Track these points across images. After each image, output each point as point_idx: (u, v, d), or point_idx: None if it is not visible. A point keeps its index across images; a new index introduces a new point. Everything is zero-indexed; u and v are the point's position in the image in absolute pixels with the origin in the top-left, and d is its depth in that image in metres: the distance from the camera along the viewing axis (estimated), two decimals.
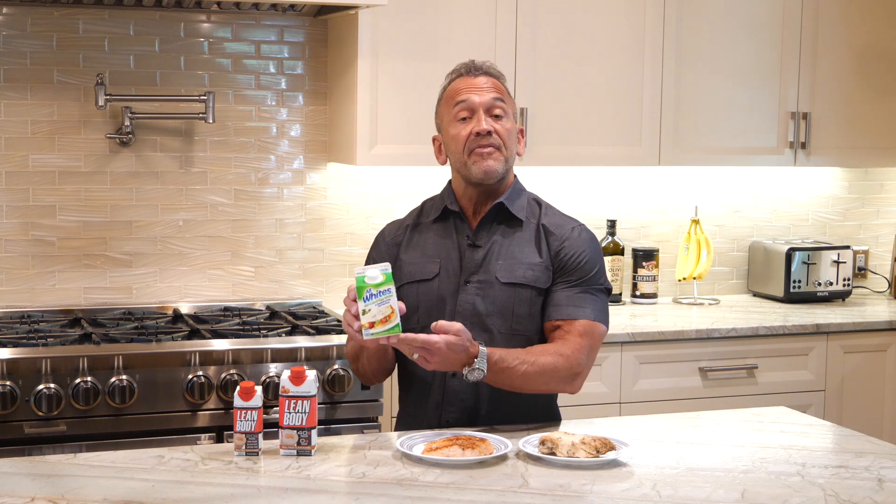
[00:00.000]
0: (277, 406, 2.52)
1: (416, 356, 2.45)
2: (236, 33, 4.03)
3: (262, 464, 2.31)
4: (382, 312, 2.39)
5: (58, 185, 3.88)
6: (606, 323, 2.69)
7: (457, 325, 2.44)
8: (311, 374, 2.38)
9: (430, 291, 2.68)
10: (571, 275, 2.66)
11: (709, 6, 4.24)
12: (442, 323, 2.44)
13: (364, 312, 2.39)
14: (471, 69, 2.71)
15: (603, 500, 2.14)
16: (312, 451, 2.36)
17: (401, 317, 2.39)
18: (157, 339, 3.44)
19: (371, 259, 2.81)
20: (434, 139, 2.76)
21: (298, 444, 2.36)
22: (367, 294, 2.38)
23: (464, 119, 2.66)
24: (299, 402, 2.35)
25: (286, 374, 2.38)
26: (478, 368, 2.48)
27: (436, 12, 3.90)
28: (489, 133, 2.63)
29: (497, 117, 2.66)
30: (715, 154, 4.33)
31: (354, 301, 2.41)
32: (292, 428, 2.36)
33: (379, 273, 2.40)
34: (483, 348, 2.49)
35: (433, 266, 2.70)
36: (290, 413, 2.36)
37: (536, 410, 2.68)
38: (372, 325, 2.39)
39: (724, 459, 2.40)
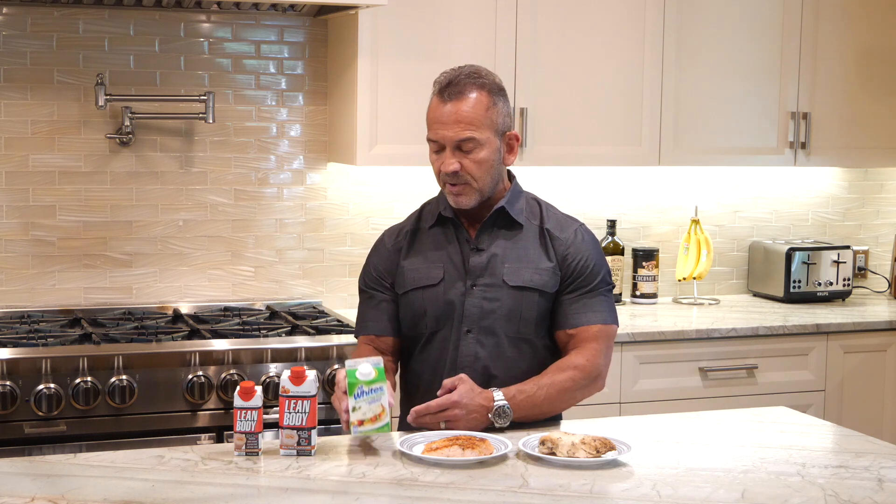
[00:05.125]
0: (277, 406, 2.52)
1: (443, 425, 2.48)
2: (236, 33, 4.03)
3: (262, 464, 2.31)
4: (373, 410, 2.36)
5: (58, 185, 3.88)
6: (616, 321, 2.73)
7: (461, 379, 2.50)
8: (311, 374, 2.38)
9: (436, 296, 2.68)
10: (579, 281, 2.68)
11: (709, 6, 4.23)
12: (446, 382, 2.50)
13: (354, 409, 2.35)
14: (443, 89, 2.60)
15: (603, 500, 2.14)
16: (312, 451, 2.36)
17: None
18: (157, 339, 3.44)
19: (370, 264, 2.81)
20: None
21: (298, 444, 2.36)
22: (359, 391, 2.35)
23: (438, 150, 2.65)
24: (299, 402, 2.35)
25: (286, 374, 2.37)
26: (499, 407, 2.50)
27: (436, 12, 3.89)
28: (456, 172, 2.61)
29: (468, 150, 2.60)
30: (715, 154, 4.33)
31: (346, 394, 2.38)
32: (292, 428, 2.36)
33: (371, 369, 2.36)
34: (494, 389, 2.54)
35: (437, 271, 2.70)
36: (290, 413, 2.36)
37: None
38: (361, 422, 2.36)
39: (724, 459, 2.40)
